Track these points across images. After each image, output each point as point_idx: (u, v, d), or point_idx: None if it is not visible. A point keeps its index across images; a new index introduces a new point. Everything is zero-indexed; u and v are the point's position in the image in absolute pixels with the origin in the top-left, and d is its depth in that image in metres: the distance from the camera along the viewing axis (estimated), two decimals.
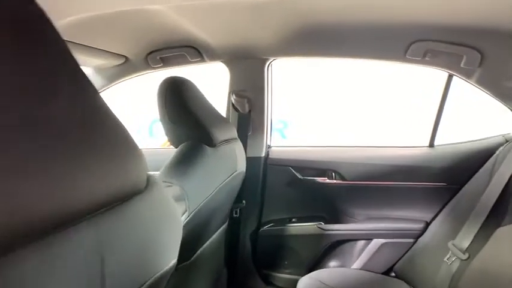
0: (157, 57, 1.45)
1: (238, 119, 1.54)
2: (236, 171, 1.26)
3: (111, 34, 1.24)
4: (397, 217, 1.53)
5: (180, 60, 1.47)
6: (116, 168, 0.39)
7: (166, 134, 1.16)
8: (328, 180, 1.56)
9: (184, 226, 0.78)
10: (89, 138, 0.36)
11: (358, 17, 1.12)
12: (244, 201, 1.57)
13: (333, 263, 1.60)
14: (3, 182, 0.26)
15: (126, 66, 1.50)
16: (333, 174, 1.55)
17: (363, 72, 2.46)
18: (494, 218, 1.21)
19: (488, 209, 1.25)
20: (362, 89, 2.62)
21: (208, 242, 1.23)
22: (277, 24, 1.20)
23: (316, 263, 1.59)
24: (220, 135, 1.16)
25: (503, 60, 1.19)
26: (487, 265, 1.14)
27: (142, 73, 1.56)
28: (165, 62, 1.47)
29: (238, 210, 1.57)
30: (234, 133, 1.31)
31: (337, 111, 2.76)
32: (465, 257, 1.25)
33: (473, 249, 1.23)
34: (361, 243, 1.55)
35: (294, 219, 1.62)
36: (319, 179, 1.56)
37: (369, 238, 1.53)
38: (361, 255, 1.54)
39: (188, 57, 1.44)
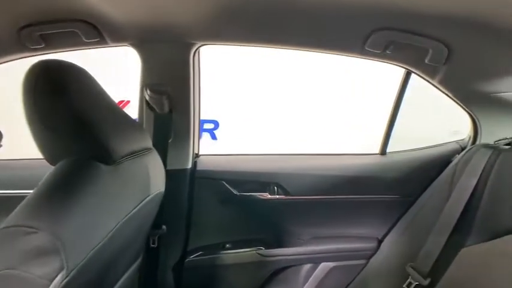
0: (36, 34, 1.03)
1: (154, 122, 1.18)
2: (150, 194, 0.92)
3: None
4: (347, 235, 1.38)
5: (71, 41, 1.07)
6: None
7: (38, 146, 0.77)
8: (269, 196, 1.31)
9: None
10: None
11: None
12: (164, 227, 1.24)
13: None
14: None
15: None
16: (275, 188, 1.31)
17: (311, 65, 2.25)
18: (458, 237, 1.11)
19: (451, 227, 1.13)
20: (308, 84, 2.42)
21: None
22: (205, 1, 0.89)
23: None
24: (123, 146, 0.81)
25: (471, 59, 1.05)
26: None
27: (15, 57, 1.12)
28: (48, 42, 1.06)
29: (156, 239, 1.23)
30: (147, 142, 0.96)
31: (279, 108, 2.53)
32: (427, 282, 1.13)
33: (435, 274, 1.11)
34: (307, 268, 1.36)
35: (228, 245, 1.36)
36: (259, 195, 1.31)
37: (316, 262, 1.35)
38: (307, 283, 1.35)
39: (82, 36, 1.04)
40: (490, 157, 1.10)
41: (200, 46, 1.15)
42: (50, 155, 0.77)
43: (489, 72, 1.12)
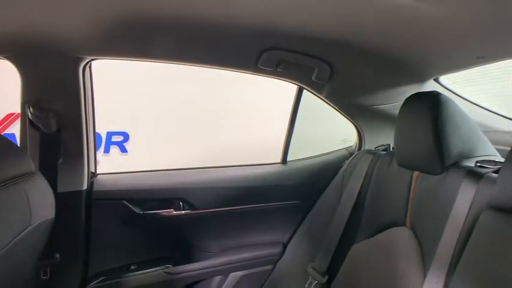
0: None
1: (40, 142, 1.07)
2: (31, 224, 0.83)
3: None
4: (253, 243, 1.41)
5: None
6: None
7: None
8: (174, 212, 1.28)
9: None
10: None
11: (200, 14, 0.88)
12: (57, 255, 1.12)
13: None
14: None
15: None
16: (180, 203, 1.29)
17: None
18: (348, 236, 1.21)
19: (342, 227, 1.23)
20: (215, 95, 2.42)
21: None
22: (89, 12, 0.85)
23: None
24: None
25: (351, 76, 1.18)
26: (347, 285, 1.12)
27: None
28: None
29: (48, 270, 1.11)
30: (27, 165, 0.87)
31: (185, 120, 2.49)
32: (324, 280, 1.21)
33: (332, 271, 1.20)
34: (217, 280, 1.36)
35: (133, 267, 1.28)
36: (164, 212, 1.27)
37: (225, 273, 1.36)
38: None
39: None
40: (371, 162, 1.24)
41: (90, 60, 1.09)
42: None
43: (367, 88, 1.27)
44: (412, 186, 1.03)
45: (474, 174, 0.83)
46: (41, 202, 0.89)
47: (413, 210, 1.00)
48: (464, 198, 0.82)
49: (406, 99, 1.01)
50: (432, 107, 0.91)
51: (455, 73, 1.25)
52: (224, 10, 0.87)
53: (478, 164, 0.88)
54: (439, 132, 0.90)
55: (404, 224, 1.02)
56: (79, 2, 0.80)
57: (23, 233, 0.80)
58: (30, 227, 0.83)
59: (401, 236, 1.00)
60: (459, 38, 0.90)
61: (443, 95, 0.94)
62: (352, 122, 1.36)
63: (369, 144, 1.39)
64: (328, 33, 0.99)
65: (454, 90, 1.34)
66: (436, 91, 0.95)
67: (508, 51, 0.96)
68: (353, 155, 1.36)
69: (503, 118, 1.35)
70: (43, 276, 1.11)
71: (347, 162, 1.35)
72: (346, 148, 1.48)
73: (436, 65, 1.14)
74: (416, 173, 1.02)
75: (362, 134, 1.40)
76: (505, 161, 0.73)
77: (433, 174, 0.94)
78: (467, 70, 1.17)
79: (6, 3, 0.79)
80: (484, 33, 0.84)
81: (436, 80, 1.29)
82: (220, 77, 1.90)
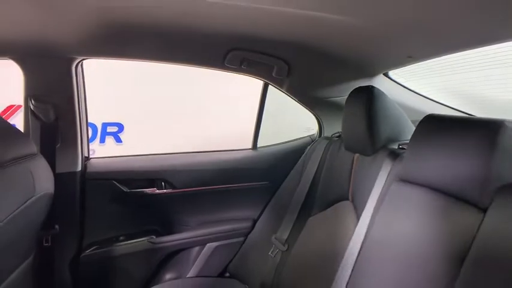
0: None
1: (41, 130, 1.26)
2: (34, 195, 1.02)
3: None
4: (227, 218, 1.59)
5: None
6: None
7: None
8: (157, 191, 1.47)
9: None
10: None
11: (174, 20, 1.06)
12: (57, 226, 1.32)
13: (168, 276, 1.53)
14: None
15: None
16: (163, 183, 1.48)
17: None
18: (305, 211, 1.40)
19: (300, 203, 1.42)
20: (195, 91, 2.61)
21: (5, 284, 0.99)
22: (78, 20, 1.03)
23: (150, 280, 1.49)
24: (6, 153, 0.91)
25: (306, 72, 1.36)
26: (302, 252, 1.29)
27: None
28: None
29: (49, 238, 1.31)
30: (30, 148, 1.06)
31: (171, 112, 2.67)
32: (285, 248, 1.40)
33: (291, 240, 1.39)
34: (195, 250, 1.54)
35: (121, 238, 1.47)
36: (148, 190, 1.46)
37: (202, 244, 1.54)
38: (196, 262, 1.53)
39: None
40: (325, 147, 1.43)
41: (82, 60, 1.27)
42: None
43: (323, 83, 1.45)
44: (354, 166, 1.22)
45: (393, 154, 1.02)
46: (42, 178, 1.08)
47: (353, 187, 1.20)
48: (384, 173, 1.01)
49: (349, 93, 1.19)
50: (366, 99, 1.10)
51: (406, 68, 1.43)
52: (193, 18, 1.04)
53: (400, 147, 1.07)
54: (370, 121, 1.09)
55: (347, 198, 1.21)
56: (71, 12, 0.97)
57: (28, 202, 0.99)
58: (34, 197, 1.02)
59: (344, 208, 1.18)
60: (386, 41, 1.08)
61: (377, 89, 1.12)
62: (312, 112, 1.54)
63: (328, 132, 1.57)
64: (284, 36, 1.16)
65: (402, 83, 1.52)
66: (371, 86, 1.13)
67: (433, 51, 1.13)
68: (313, 142, 1.55)
69: (445, 107, 1.54)
70: (45, 243, 1.30)
71: (308, 147, 1.54)
72: (310, 136, 1.66)
73: (376, 63, 1.32)
74: (356, 155, 1.21)
75: (321, 123, 1.59)
76: (408, 143, 0.91)
77: (367, 155, 1.13)
78: (417, 65, 1.34)
79: (11, 12, 0.97)
80: (407, 38, 1.02)
81: (386, 75, 1.47)
82: (204, 76, 2.09)
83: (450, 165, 0.74)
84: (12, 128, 1.03)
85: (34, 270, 1.19)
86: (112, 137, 2.73)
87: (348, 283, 0.92)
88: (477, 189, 0.66)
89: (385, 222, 0.91)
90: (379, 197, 0.98)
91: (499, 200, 0.63)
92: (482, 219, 0.64)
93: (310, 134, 1.66)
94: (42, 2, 0.90)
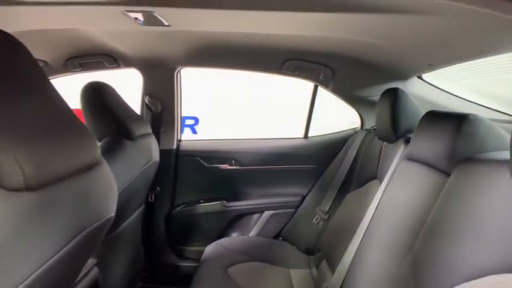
0: (76, 63, 1.62)
1: (151, 117, 1.78)
2: (151, 160, 1.50)
3: (32, 43, 1.37)
4: (281, 193, 1.94)
5: (98, 66, 1.65)
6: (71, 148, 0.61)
7: (91, 130, 1.35)
8: (229, 167, 1.89)
9: None
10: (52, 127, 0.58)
11: (244, 40, 1.47)
12: (158, 188, 1.82)
13: (234, 233, 1.94)
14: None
15: (45, 69, 1.61)
16: (233, 161, 1.90)
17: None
18: (344, 188, 1.70)
19: (341, 182, 1.74)
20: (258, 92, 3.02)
21: (126, 222, 1.44)
22: (183, 43, 1.50)
23: (221, 235, 1.91)
24: (137, 130, 1.39)
25: (348, 76, 1.68)
26: (339, 221, 1.56)
27: (60, 75, 1.70)
28: (84, 67, 1.65)
29: (153, 196, 1.82)
30: (148, 129, 1.55)
31: (239, 109, 3.12)
32: (326, 217, 1.72)
33: (331, 211, 1.70)
34: (256, 215, 1.93)
35: (201, 200, 1.91)
36: (222, 166, 1.89)
37: (261, 211, 1.91)
38: (256, 225, 1.91)
39: (105, 63, 1.63)
40: (364, 137, 1.73)
41: (181, 69, 1.77)
42: (97, 135, 1.36)
43: (361, 84, 1.75)
44: (382, 152, 1.51)
45: (408, 141, 1.31)
46: (154, 150, 1.56)
47: (380, 168, 1.49)
48: (398, 155, 1.30)
49: (381, 94, 1.49)
50: (390, 98, 1.39)
51: (440, 71, 1.66)
52: (259, 40, 1.44)
53: None
54: (393, 115, 1.38)
55: (376, 178, 1.51)
56: (178, 39, 1.44)
57: (146, 165, 1.45)
58: (150, 162, 1.49)
59: (373, 186, 1.47)
60: (410, 54, 1.36)
61: (401, 90, 1.40)
62: (354, 108, 1.85)
63: (368, 125, 1.86)
64: (328, 48, 1.51)
65: (437, 85, 1.75)
66: (396, 88, 1.41)
67: (450, 59, 1.38)
68: (355, 133, 1.86)
69: (478, 106, 1.73)
70: (150, 199, 1.82)
71: (351, 138, 1.86)
72: (353, 128, 1.96)
73: (405, 69, 1.60)
74: (384, 143, 1.50)
75: (363, 118, 1.89)
76: (414, 131, 1.19)
77: (391, 143, 1.42)
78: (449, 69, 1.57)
79: (139, 41, 1.46)
80: (427, 50, 1.29)
81: (419, 77, 1.72)
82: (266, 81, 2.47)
83: (436, 145, 1.03)
84: (138, 115, 1.53)
85: (142, 217, 1.67)
86: (189, 128, 3.20)
87: (360, 242, 1.22)
88: (447, 160, 0.95)
89: (390, 194, 1.19)
90: (391, 174, 1.27)
91: (459, 167, 0.91)
92: (447, 181, 0.94)
93: (355, 127, 1.96)
94: (161, 34, 1.37)
